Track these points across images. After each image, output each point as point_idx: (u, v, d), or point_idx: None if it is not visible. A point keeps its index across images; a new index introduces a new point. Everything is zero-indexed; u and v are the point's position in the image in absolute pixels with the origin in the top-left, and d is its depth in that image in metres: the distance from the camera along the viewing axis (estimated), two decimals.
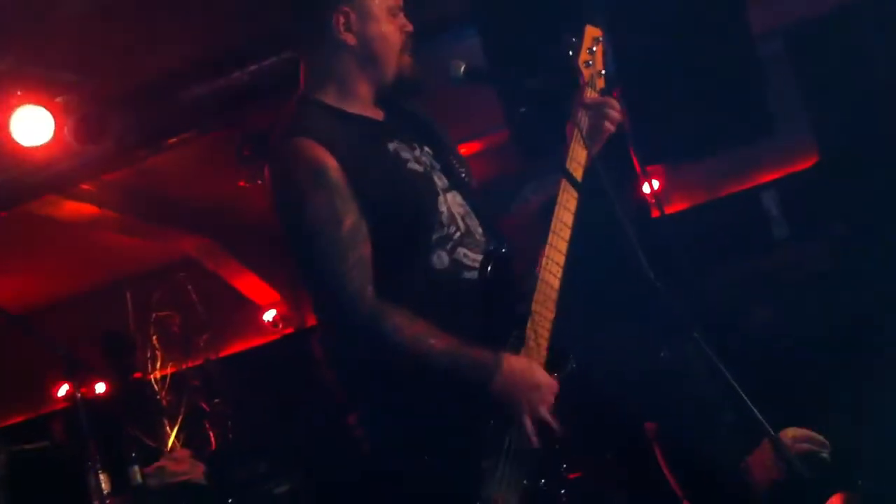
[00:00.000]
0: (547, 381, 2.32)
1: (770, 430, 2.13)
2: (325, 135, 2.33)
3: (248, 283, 8.64)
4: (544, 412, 2.29)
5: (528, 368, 2.30)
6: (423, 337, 2.24)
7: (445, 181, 2.48)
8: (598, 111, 2.56)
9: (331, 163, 2.29)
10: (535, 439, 2.28)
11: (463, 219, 2.44)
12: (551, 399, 2.31)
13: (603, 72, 2.64)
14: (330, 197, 2.27)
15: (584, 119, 2.56)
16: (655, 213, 4.76)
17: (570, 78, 2.61)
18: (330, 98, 2.46)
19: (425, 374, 2.25)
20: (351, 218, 2.28)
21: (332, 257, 2.25)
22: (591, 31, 2.65)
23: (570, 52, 2.60)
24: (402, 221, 2.35)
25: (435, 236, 2.37)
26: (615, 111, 2.57)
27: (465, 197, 2.49)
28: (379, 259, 2.29)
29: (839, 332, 4.35)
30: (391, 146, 2.44)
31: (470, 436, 2.26)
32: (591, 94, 2.60)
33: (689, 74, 4.35)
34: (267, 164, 2.38)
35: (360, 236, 2.28)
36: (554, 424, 2.30)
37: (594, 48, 2.63)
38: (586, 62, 2.61)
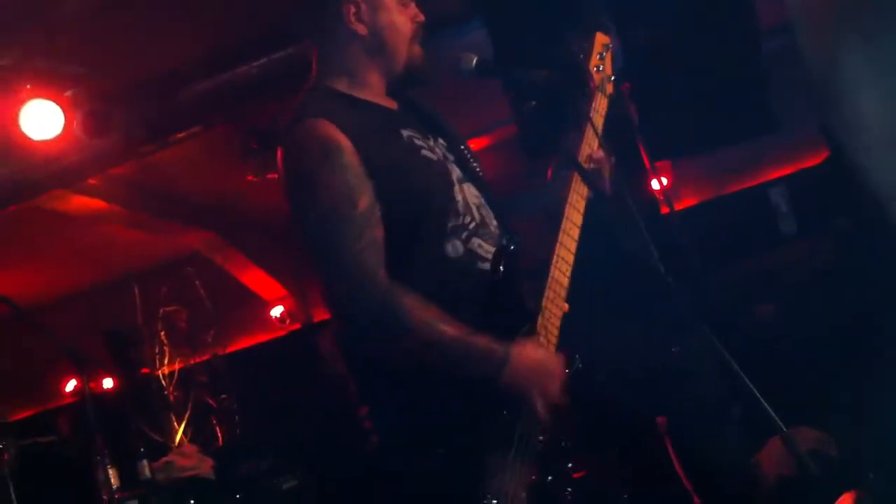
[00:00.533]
0: (556, 366, 2.32)
1: (782, 426, 2.13)
2: (339, 118, 2.33)
3: (255, 278, 8.65)
4: (556, 397, 2.29)
5: (537, 356, 2.30)
6: (435, 322, 2.23)
7: (459, 172, 2.48)
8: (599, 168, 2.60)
9: (345, 143, 2.28)
10: (546, 418, 2.27)
11: (478, 209, 2.44)
12: (558, 384, 2.31)
13: (612, 77, 2.68)
14: (345, 176, 2.26)
15: (598, 117, 2.60)
16: (665, 210, 4.76)
17: (579, 73, 2.64)
18: (342, 86, 2.47)
19: (435, 360, 2.24)
20: (365, 199, 2.26)
21: (346, 237, 2.23)
22: (601, 38, 2.71)
23: (581, 56, 2.63)
24: (417, 207, 2.34)
25: (450, 224, 2.37)
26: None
27: (478, 189, 2.49)
28: (393, 245, 2.28)
29: (841, 332, 4.35)
30: (405, 133, 2.45)
31: (480, 430, 2.26)
32: (601, 101, 2.63)
33: (694, 72, 4.35)
34: (280, 145, 2.37)
35: (373, 218, 2.27)
36: (564, 409, 2.31)
37: (604, 54, 2.67)
38: (596, 67, 2.66)
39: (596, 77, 2.65)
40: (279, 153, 2.36)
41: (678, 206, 7.22)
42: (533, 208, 2.68)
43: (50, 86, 5.01)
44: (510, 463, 2.26)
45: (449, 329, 2.23)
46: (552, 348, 2.37)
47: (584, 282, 2.48)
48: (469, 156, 2.55)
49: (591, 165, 2.59)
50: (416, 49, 2.51)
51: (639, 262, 2.48)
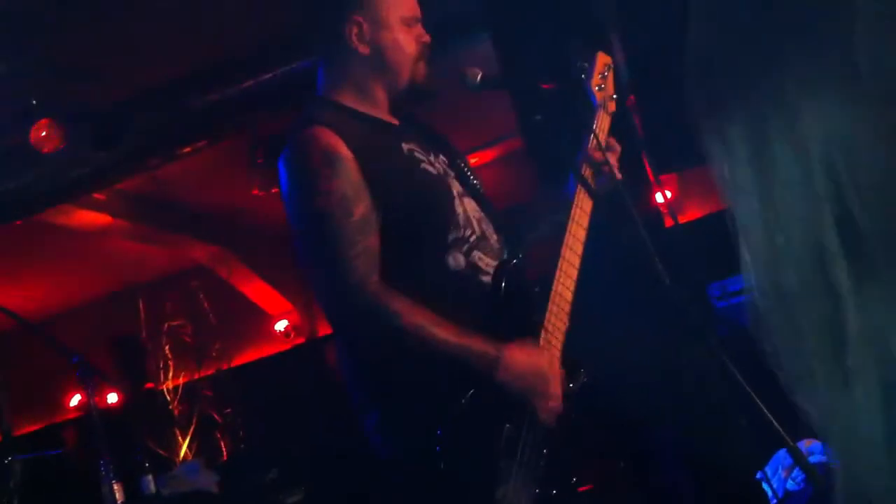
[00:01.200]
0: (552, 366, 2.32)
1: (788, 439, 2.12)
2: (341, 128, 2.35)
3: (260, 292, 8.66)
4: (553, 398, 2.29)
5: (531, 357, 2.31)
6: (427, 325, 2.24)
7: (460, 187, 2.50)
8: (598, 169, 2.60)
9: (346, 153, 2.31)
10: (550, 419, 2.28)
11: (479, 223, 2.46)
12: (557, 385, 2.31)
13: (614, 96, 2.70)
14: (343, 184, 2.29)
15: (603, 124, 2.61)
16: (669, 223, 4.75)
17: (582, 91, 2.66)
18: (346, 100, 2.49)
19: (429, 363, 2.25)
20: (362, 208, 2.29)
21: (340, 242, 2.25)
22: (603, 58, 2.73)
23: (583, 76, 2.65)
24: (418, 219, 2.36)
25: (451, 237, 2.38)
26: (612, 166, 2.59)
27: (479, 204, 2.51)
28: (394, 256, 2.30)
29: None
30: (406, 146, 2.47)
31: (484, 441, 2.26)
32: (603, 118, 2.65)
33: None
34: (281, 151, 2.39)
35: (369, 227, 2.29)
36: (568, 421, 2.31)
37: (606, 73, 2.69)
38: (599, 86, 2.67)
39: (598, 95, 2.67)
40: (280, 159, 2.38)
41: (682, 219, 7.21)
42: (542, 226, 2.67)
43: (55, 100, 5.03)
44: (515, 474, 2.26)
45: (440, 331, 2.24)
46: (555, 355, 2.38)
47: (592, 291, 2.48)
48: (469, 172, 2.58)
49: (597, 175, 2.60)
50: (421, 67, 2.52)
51: (643, 272, 2.48)
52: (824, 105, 0.44)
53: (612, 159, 2.59)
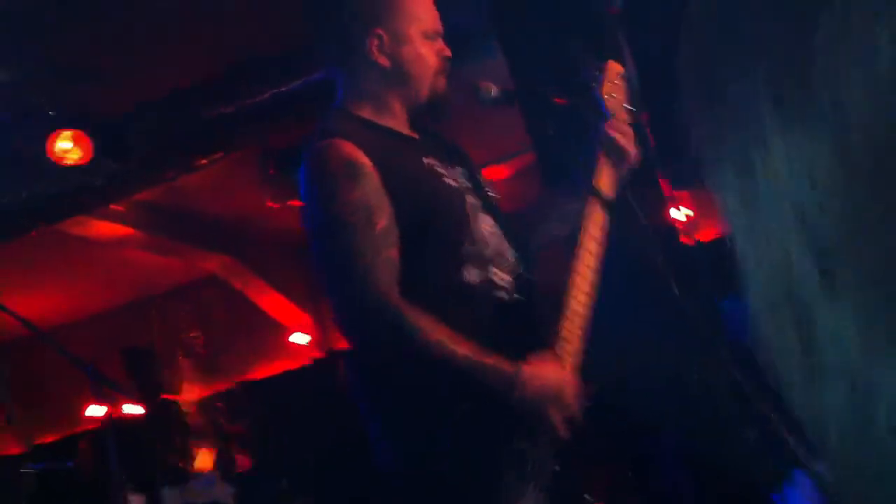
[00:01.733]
0: (569, 382, 2.30)
1: (798, 451, 2.11)
2: (362, 140, 2.35)
3: (275, 304, 8.66)
4: (572, 414, 2.28)
5: (549, 375, 2.28)
6: (447, 342, 2.22)
7: (477, 202, 2.49)
8: (614, 140, 2.57)
9: (368, 164, 2.31)
10: (566, 436, 2.26)
11: (494, 238, 2.45)
12: (574, 400, 2.29)
13: (626, 106, 2.67)
14: (365, 195, 2.28)
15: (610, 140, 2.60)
16: (686, 240, 4.74)
17: (592, 100, 2.64)
18: (365, 112, 2.48)
19: (446, 379, 2.24)
20: (384, 220, 2.28)
21: (363, 252, 2.24)
22: (615, 67, 2.70)
23: (594, 84, 2.63)
24: (436, 232, 2.35)
25: (467, 251, 2.37)
26: (627, 136, 2.56)
27: (496, 220, 2.50)
28: (410, 269, 2.29)
29: None
30: (426, 160, 2.46)
31: (495, 456, 2.25)
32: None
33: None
34: (302, 161, 2.38)
35: (391, 239, 2.28)
36: (580, 436, 2.30)
37: (617, 83, 2.67)
38: (610, 94, 2.65)
39: (609, 104, 2.65)
40: (301, 170, 2.38)
41: (700, 238, 7.18)
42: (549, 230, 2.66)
43: (72, 111, 5.06)
44: (526, 490, 2.25)
45: (459, 348, 2.22)
46: (568, 374, 2.36)
47: (605, 306, 2.47)
48: (486, 186, 2.57)
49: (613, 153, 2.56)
50: (441, 82, 2.51)
51: (652, 282, 2.47)
52: (791, 137, 0.49)
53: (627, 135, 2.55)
